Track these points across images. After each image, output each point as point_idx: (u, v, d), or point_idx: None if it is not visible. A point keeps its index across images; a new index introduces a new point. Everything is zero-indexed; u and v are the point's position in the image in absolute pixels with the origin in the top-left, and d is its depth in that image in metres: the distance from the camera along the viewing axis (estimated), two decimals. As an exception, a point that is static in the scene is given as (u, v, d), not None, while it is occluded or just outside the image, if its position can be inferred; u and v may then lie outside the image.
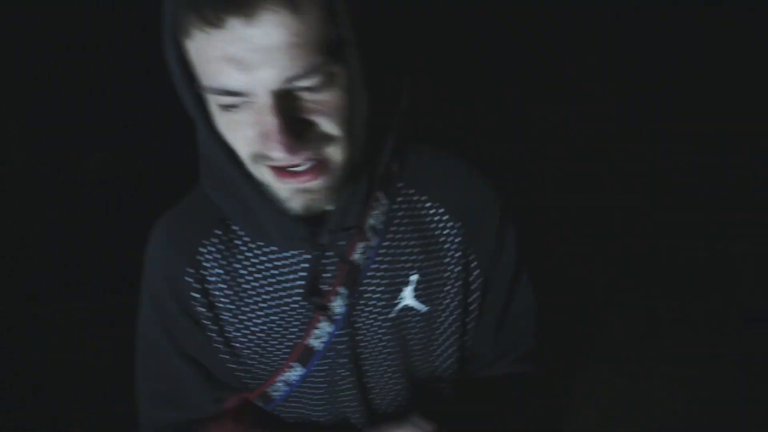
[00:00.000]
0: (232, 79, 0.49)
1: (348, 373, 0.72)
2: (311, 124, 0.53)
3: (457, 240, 0.71)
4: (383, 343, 0.72)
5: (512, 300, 0.79)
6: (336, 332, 0.69)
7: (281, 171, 0.55)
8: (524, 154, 2.97)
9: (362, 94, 0.54)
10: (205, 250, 0.69)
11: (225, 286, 0.69)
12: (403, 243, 0.69)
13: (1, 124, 3.34)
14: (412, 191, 0.70)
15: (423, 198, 0.70)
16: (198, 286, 0.69)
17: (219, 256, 0.69)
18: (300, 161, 0.54)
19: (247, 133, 0.53)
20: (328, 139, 0.55)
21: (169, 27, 0.52)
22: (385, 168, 0.66)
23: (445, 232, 0.71)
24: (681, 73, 3.57)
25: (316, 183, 0.56)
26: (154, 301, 0.73)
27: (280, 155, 0.52)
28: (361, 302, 0.70)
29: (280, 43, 0.47)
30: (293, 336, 0.70)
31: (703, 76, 3.51)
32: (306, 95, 0.51)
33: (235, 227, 0.69)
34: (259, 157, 0.55)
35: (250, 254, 0.69)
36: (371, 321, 0.71)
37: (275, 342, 0.71)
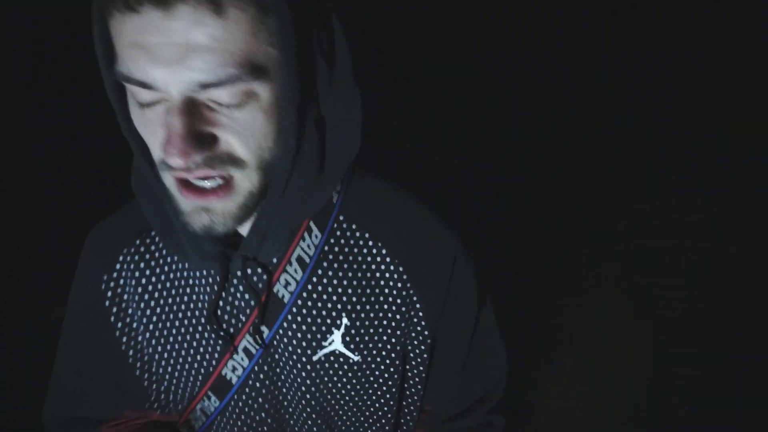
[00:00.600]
0: (143, 70, 0.46)
1: (264, 415, 0.66)
2: (219, 141, 0.49)
3: (398, 285, 0.62)
4: (304, 389, 0.65)
5: (474, 354, 0.70)
6: (252, 367, 0.63)
7: (186, 184, 0.51)
8: (524, 154, 2.97)
9: (288, 121, 0.50)
10: (122, 259, 0.65)
11: (138, 299, 0.64)
12: (335, 282, 0.62)
13: (1, 124, 3.34)
14: (353, 226, 0.62)
15: (365, 235, 0.62)
16: (111, 295, 0.65)
17: (134, 266, 0.64)
18: (201, 176, 0.50)
19: (157, 134, 0.50)
20: (235, 161, 0.50)
21: (96, 1, 0.48)
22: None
23: (386, 276, 0.62)
24: (681, 73, 3.57)
25: (218, 205, 0.52)
26: (76, 304, 0.69)
27: (176, 161, 0.47)
28: (285, 340, 0.63)
29: (196, 44, 0.44)
30: (206, 363, 0.64)
31: (703, 76, 3.51)
32: (222, 110, 0.48)
33: (156, 239, 0.65)
34: (164, 164, 0.51)
35: (166, 268, 0.64)
36: (292, 363, 0.64)
37: (188, 366, 0.65)
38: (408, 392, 0.68)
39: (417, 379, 0.68)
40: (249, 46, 0.46)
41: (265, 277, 0.60)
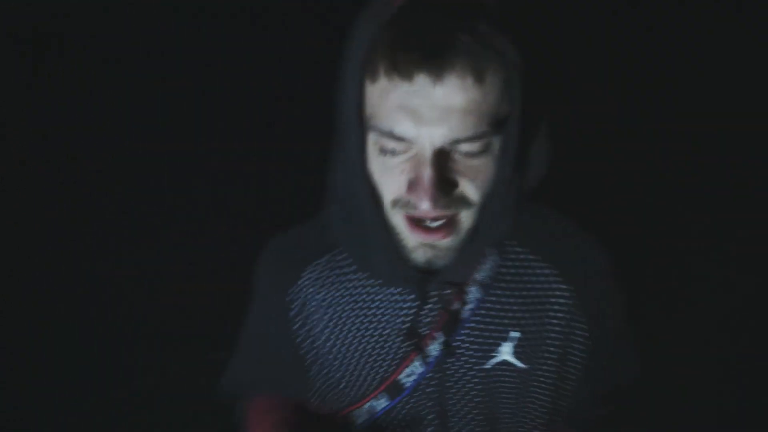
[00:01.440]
0: (404, 127, 0.53)
1: (432, 415, 0.73)
2: (457, 186, 0.57)
3: (566, 303, 0.71)
4: (473, 393, 0.72)
5: (614, 367, 0.79)
6: (426, 374, 0.70)
7: (415, 223, 0.58)
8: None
9: (509, 168, 0.58)
10: (307, 275, 0.72)
11: (323, 311, 0.72)
12: (509, 300, 0.70)
13: (0, 123, 3.34)
14: (525, 250, 0.71)
15: (535, 258, 0.71)
16: (296, 308, 0.72)
17: (320, 280, 0.72)
18: (436, 215, 0.57)
19: (397, 178, 0.57)
20: (466, 202, 0.58)
21: (357, 65, 0.55)
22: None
23: (555, 294, 0.71)
24: (681, 73, 3.57)
25: (443, 242, 0.60)
26: (261, 308, 0.78)
27: (425, 206, 0.55)
28: (458, 351, 0.70)
29: (458, 107, 0.51)
30: (384, 369, 0.71)
31: (703, 76, 3.51)
32: (462, 158, 0.55)
33: (340, 257, 0.72)
34: (400, 204, 0.58)
35: (350, 284, 0.71)
36: (464, 370, 0.71)
37: (366, 372, 0.72)
38: (561, 399, 0.75)
39: (573, 380, 0.75)
40: (496, 105, 0.54)
41: (449, 296, 0.68)
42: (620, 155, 3.07)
